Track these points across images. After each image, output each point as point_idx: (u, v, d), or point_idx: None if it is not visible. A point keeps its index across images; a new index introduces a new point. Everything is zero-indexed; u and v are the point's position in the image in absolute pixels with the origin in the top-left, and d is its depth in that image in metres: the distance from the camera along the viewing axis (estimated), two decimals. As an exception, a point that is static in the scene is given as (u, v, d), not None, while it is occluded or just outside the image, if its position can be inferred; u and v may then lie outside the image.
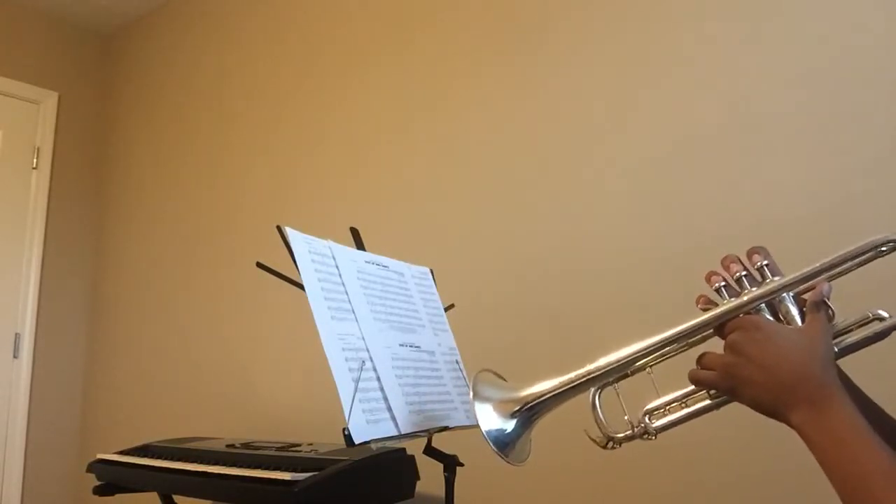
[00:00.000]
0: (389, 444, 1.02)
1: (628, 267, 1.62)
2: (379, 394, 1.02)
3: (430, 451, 1.21)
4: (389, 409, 1.01)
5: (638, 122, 1.68)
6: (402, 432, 1.01)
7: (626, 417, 0.82)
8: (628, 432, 0.83)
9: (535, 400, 0.84)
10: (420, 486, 1.56)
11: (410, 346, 1.16)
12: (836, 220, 1.36)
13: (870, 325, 0.74)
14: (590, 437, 0.84)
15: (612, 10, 1.77)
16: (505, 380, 0.91)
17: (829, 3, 1.45)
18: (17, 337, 2.95)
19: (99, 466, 1.75)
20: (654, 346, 0.80)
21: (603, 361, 0.81)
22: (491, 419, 0.84)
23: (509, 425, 0.84)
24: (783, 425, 0.70)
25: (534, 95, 1.88)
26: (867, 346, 0.74)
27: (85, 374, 3.16)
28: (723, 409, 0.79)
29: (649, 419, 0.82)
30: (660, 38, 1.68)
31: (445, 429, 1.10)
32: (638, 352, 0.80)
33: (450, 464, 1.21)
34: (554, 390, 0.83)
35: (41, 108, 3.17)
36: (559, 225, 1.77)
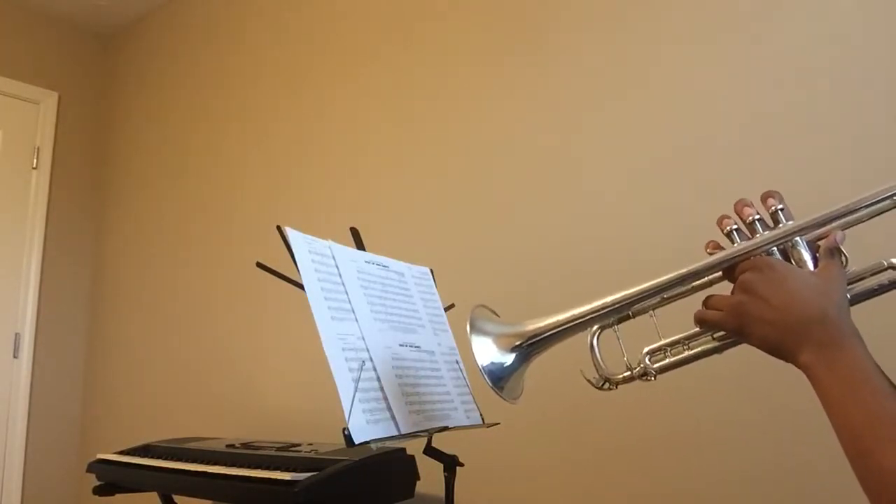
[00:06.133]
0: (389, 444, 1.01)
1: (629, 267, 1.62)
2: (379, 394, 1.01)
3: (430, 451, 1.21)
4: (389, 408, 1.01)
5: (638, 122, 1.68)
6: (402, 432, 1.01)
7: (624, 359, 0.81)
8: (626, 374, 0.82)
9: (538, 335, 0.84)
10: (420, 486, 1.56)
11: (410, 346, 1.16)
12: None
13: (883, 273, 0.73)
14: (586, 378, 0.84)
15: (612, 10, 1.77)
16: (498, 315, 0.91)
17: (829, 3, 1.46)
18: (17, 337, 2.96)
19: (99, 466, 1.75)
20: (660, 285, 0.79)
21: (609, 298, 0.81)
22: (489, 353, 0.84)
23: (507, 359, 0.84)
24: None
25: (534, 95, 1.88)
26: (879, 294, 0.73)
27: (85, 374, 3.16)
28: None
29: (649, 360, 0.81)
30: (661, 38, 1.68)
31: (445, 429, 1.10)
32: (643, 291, 0.79)
33: (450, 464, 1.22)
34: (557, 325, 0.83)
35: (41, 108, 3.17)
36: (560, 225, 1.77)
